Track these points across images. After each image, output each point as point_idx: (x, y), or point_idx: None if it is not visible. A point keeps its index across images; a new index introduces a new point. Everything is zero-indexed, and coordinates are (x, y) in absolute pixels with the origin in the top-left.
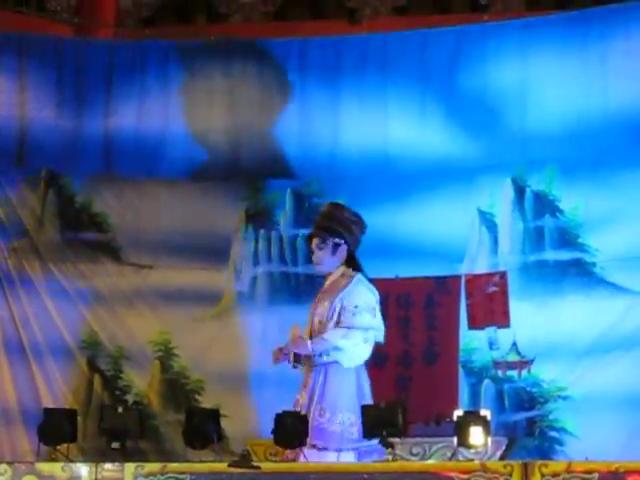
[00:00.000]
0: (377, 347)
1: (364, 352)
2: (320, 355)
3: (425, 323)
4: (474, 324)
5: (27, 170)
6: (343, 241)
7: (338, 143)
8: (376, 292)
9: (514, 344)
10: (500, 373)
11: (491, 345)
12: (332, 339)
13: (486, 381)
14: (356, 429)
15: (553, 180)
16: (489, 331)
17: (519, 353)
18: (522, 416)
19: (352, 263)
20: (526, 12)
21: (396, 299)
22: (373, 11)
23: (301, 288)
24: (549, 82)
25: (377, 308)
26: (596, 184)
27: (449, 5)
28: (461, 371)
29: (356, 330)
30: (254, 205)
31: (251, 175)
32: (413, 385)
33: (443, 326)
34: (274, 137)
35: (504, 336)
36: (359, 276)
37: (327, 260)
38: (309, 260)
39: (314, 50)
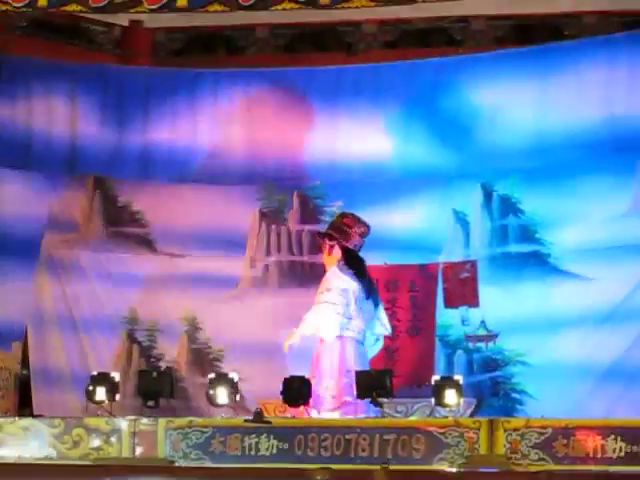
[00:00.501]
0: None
1: (335, 323)
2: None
3: (409, 303)
4: (449, 304)
5: (78, 175)
6: (335, 242)
7: (338, 154)
8: (351, 281)
9: (482, 321)
10: (470, 345)
11: (463, 322)
12: (304, 317)
13: (459, 351)
14: (332, 394)
15: (516, 186)
16: (462, 310)
17: (487, 328)
18: (487, 376)
19: (348, 259)
20: (494, 47)
21: (385, 283)
22: (367, 45)
23: (305, 274)
24: (513, 105)
25: (350, 291)
26: (551, 190)
27: (430, 41)
28: (438, 343)
29: (322, 304)
30: (267, 205)
31: (264, 180)
32: (399, 354)
33: (424, 305)
34: (284, 148)
35: (474, 314)
36: (335, 268)
37: (326, 258)
38: (312, 251)
39: (318, 77)
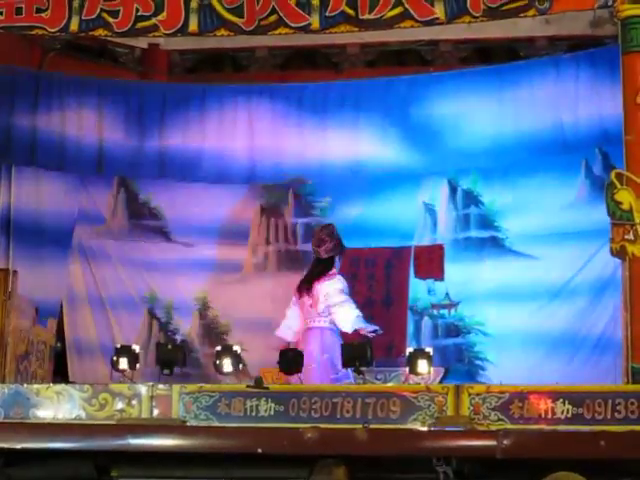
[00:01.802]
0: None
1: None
2: None
3: (384, 278)
4: (418, 275)
5: (105, 176)
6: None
7: (326, 157)
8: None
9: (447, 293)
10: (435, 312)
11: (430, 292)
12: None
13: (426, 318)
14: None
15: (477, 182)
16: (429, 282)
17: (449, 298)
18: (451, 342)
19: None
20: (460, 66)
21: (364, 262)
22: (351, 64)
23: (299, 260)
24: (475, 115)
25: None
26: (507, 185)
27: (405, 60)
28: (408, 312)
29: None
30: (266, 202)
31: (264, 181)
32: (375, 322)
33: (397, 281)
34: (280, 153)
35: (439, 287)
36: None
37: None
38: (305, 240)
39: (309, 91)
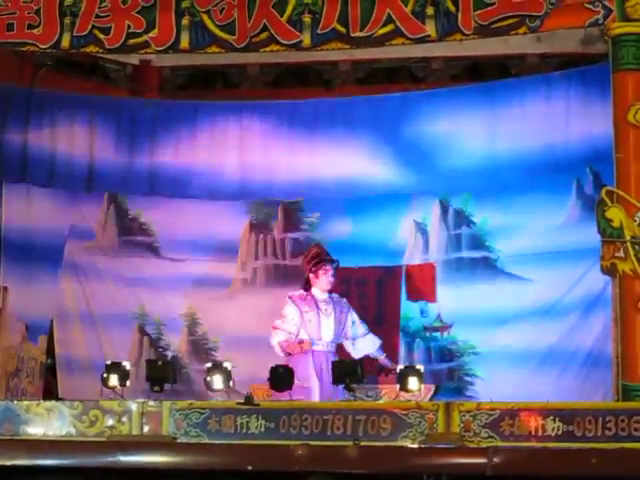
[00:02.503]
0: None
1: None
2: None
3: (376, 298)
4: (411, 297)
5: (95, 192)
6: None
7: (316, 174)
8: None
9: (439, 314)
10: (428, 334)
11: (422, 314)
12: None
13: (418, 340)
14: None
15: (468, 201)
16: (421, 304)
17: (442, 321)
18: (444, 366)
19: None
20: (451, 83)
21: (355, 281)
22: (342, 81)
23: (288, 276)
24: (466, 133)
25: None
26: (498, 204)
27: (396, 77)
28: (400, 333)
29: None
30: (255, 217)
31: (253, 197)
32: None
33: (388, 300)
34: (270, 170)
35: (432, 308)
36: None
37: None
38: (294, 255)
39: (300, 109)
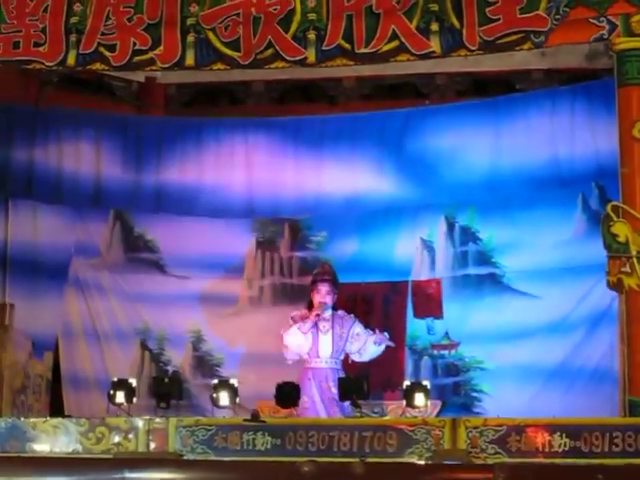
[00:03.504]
0: None
1: None
2: None
3: (382, 314)
4: (417, 314)
5: (101, 209)
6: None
7: (322, 191)
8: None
9: (446, 332)
10: (435, 352)
11: (429, 331)
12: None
13: (425, 358)
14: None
15: (474, 217)
16: (428, 321)
17: (449, 338)
18: (450, 380)
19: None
20: (455, 99)
21: (361, 298)
22: (347, 97)
23: (295, 294)
24: (472, 148)
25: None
26: (504, 220)
27: (400, 94)
28: (407, 351)
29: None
30: (262, 235)
31: (260, 214)
32: (372, 360)
33: (395, 317)
34: (276, 187)
35: (439, 326)
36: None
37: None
38: (300, 274)
39: (305, 125)
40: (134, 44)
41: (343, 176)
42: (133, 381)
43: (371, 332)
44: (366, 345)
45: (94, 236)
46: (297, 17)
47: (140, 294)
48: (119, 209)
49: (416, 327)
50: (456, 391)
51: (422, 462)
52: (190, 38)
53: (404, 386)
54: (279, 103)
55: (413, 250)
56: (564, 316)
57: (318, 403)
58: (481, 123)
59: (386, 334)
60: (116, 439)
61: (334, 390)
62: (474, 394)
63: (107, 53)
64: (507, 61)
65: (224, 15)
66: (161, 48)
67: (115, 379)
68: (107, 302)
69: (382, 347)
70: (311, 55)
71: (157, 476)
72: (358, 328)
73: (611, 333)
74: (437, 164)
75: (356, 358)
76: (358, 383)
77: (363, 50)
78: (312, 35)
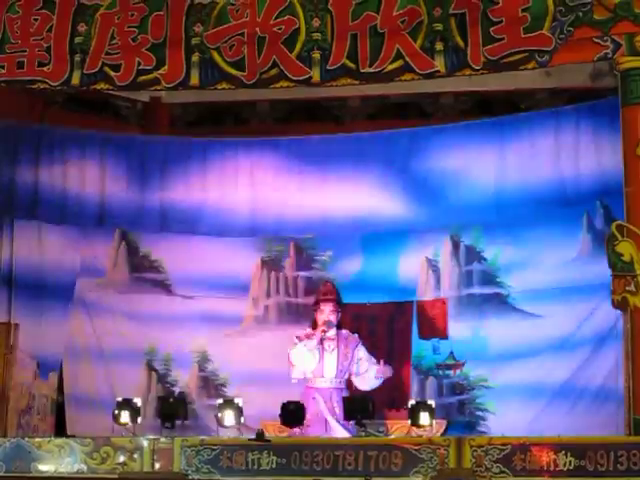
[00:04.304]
0: None
1: None
2: None
3: (387, 335)
4: (423, 336)
5: (106, 229)
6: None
7: (327, 211)
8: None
9: (451, 351)
10: (440, 372)
11: (435, 351)
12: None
13: (430, 377)
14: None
15: (479, 237)
16: (433, 341)
17: (454, 358)
18: (455, 399)
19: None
20: (460, 118)
21: (366, 318)
22: (352, 117)
23: (300, 313)
24: (476, 168)
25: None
26: (509, 240)
27: (405, 113)
28: (413, 371)
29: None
30: (267, 255)
31: (265, 234)
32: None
33: (400, 337)
34: (281, 206)
35: (444, 346)
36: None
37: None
38: (306, 293)
39: (310, 145)
40: (139, 64)
41: (348, 196)
42: (138, 401)
43: (375, 361)
44: (368, 374)
45: (99, 256)
46: (302, 37)
47: (145, 314)
48: (124, 229)
49: (422, 347)
50: (461, 410)
51: None
52: (195, 58)
53: (409, 405)
54: (284, 123)
55: (418, 270)
56: (569, 335)
57: (323, 423)
58: (486, 142)
59: (390, 368)
60: (121, 459)
61: (338, 411)
62: (479, 413)
63: (112, 73)
64: (512, 80)
65: (228, 35)
66: (165, 68)
67: (120, 399)
68: (112, 322)
69: (381, 381)
70: (316, 75)
71: None
72: (362, 352)
73: (616, 352)
74: (442, 183)
75: (356, 383)
76: (363, 403)
77: (368, 69)
78: (317, 55)
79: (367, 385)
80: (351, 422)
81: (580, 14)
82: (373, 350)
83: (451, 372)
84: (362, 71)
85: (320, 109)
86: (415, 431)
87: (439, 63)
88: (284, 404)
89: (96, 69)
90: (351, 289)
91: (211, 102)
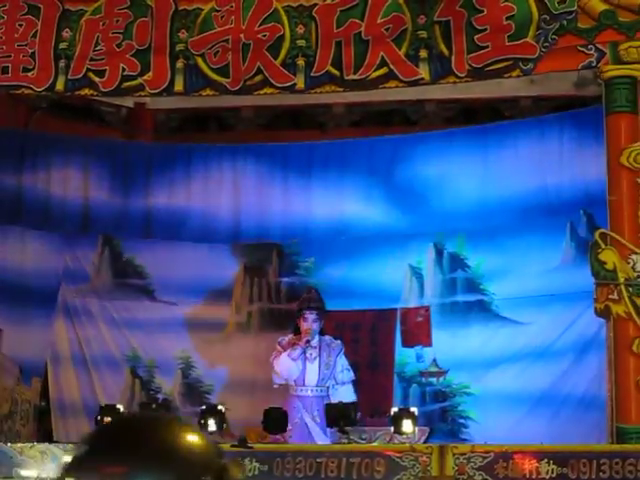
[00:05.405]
0: None
1: None
2: None
3: (370, 342)
4: (406, 344)
5: (89, 235)
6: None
7: (311, 217)
8: None
9: (434, 359)
10: (424, 380)
11: (418, 359)
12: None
13: (414, 385)
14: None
15: (463, 244)
16: (417, 349)
17: (438, 365)
18: (437, 406)
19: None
20: (444, 126)
21: (349, 325)
22: (336, 124)
23: (283, 320)
24: (460, 175)
25: None
26: (492, 247)
27: (389, 120)
28: (396, 378)
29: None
30: (250, 260)
31: (248, 240)
32: (360, 386)
33: (383, 344)
34: (265, 212)
35: (427, 353)
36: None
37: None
38: (288, 300)
39: (294, 151)
40: (123, 70)
41: (331, 202)
42: (120, 406)
43: (353, 377)
44: (343, 388)
45: (82, 262)
46: (286, 44)
47: (129, 320)
48: (108, 235)
49: (405, 354)
50: (443, 417)
51: None
52: (179, 64)
53: (392, 413)
54: (268, 129)
55: (402, 277)
56: (551, 343)
57: (305, 431)
58: (470, 150)
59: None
60: None
61: (319, 420)
62: (461, 420)
63: (96, 79)
64: (496, 88)
65: (213, 41)
66: (150, 74)
67: (103, 405)
68: (96, 328)
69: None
70: (300, 81)
71: None
72: (344, 362)
73: (599, 360)
74: (426, 191)
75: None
76: (346, 410)
77: (352, 77)
78: (301, 61)
79: (338, 397)
80: (333, 429)
81: (565, 22)
82: (356, 358)
83: (434, 379)
84: (346, 78)
85: (304, 116)
86: (398, 438)
87: (423, 71)
88: (266, 411)
89: (81, 75)
90: (334, 295)
91: (195, 108)
